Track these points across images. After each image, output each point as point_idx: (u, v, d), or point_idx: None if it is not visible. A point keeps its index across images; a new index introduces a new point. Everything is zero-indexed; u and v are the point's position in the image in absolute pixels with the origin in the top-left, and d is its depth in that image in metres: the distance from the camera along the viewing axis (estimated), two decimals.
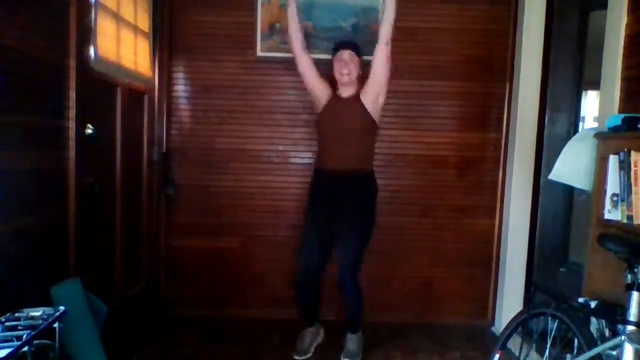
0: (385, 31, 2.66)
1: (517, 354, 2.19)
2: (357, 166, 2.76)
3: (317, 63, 2.85)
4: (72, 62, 2.10)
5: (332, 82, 2.84)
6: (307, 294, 2.86)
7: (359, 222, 2.75)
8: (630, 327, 1.60)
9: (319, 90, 2.79)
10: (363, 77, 2.78)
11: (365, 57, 2.89)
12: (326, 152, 2.79)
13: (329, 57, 3.00)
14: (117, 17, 2.55)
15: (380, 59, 2.69)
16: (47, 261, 2.00)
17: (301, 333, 2.92)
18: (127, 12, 2.68)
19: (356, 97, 2.74)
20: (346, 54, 2.73)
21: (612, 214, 1.96)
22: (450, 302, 3.44)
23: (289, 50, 2.88)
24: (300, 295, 2.89)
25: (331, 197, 2.75)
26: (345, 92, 2.77)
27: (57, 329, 1.57)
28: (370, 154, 2.84)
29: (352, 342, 2.85)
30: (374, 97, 2.73)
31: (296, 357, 2.80)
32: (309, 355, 2.84)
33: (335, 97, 2.78)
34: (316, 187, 2.84)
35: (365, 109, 2.72)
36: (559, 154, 2.32)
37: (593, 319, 1.88)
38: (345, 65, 2.70)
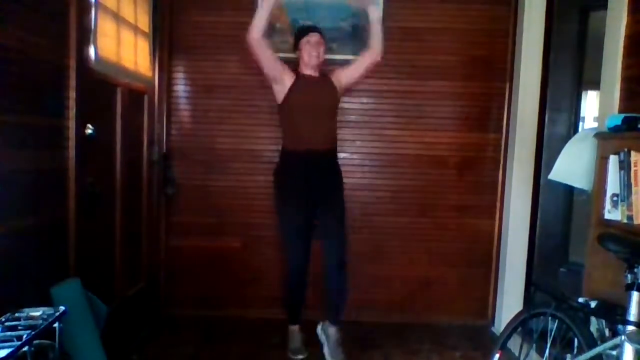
0: (371, 43, 2.75)
1: (517, 354, 2.19)
2: (329, 145, 2.80)
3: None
4: (72, 62, 2.10)
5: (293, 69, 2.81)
6: (300, 289, 2.85)
7: (341, 211, 2.80)
8: (630, 327, 1.60)
9: (281, 75, 2.72)
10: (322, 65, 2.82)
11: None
12: (300, 132, 2.73)
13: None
14: (117, 17, 2.55)
15: (361, 62, 2.79)
16: (47, 261, 2.00)
17: (290, 333, 2.91)
18: (127, 12, 2.68)
19: (324, 77, 2.80)
20: (316, 37, 2.76)
21: (612, 214, 1.96)
22: (450, 302, 3.44)
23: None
24: (292, 292, 2.88)
25: (310, 180, 2.72)
26: (310, 71, 2.78)
27: (57, 329, 1.57)
28: (336, 132, 2.88)
29: (336, 336, 2.79)
30: (343, 84, 2.81)
31: (294, 358, 2.79)
32: (306, 354, 2.81)
33: (302, 77, 2.77)
34: (290, 169, 2.77)
35: (335, 89, 2.79)
36: (559, 154, 2.32)
37: (593, 319, 1.88)
38: (316, 47, 2.73)
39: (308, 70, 2.77)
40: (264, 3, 2.60)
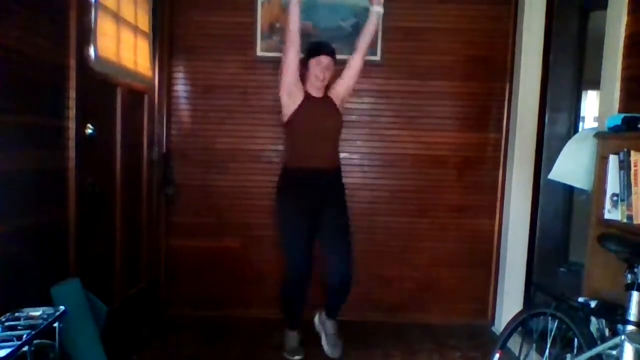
0: (364, 43, 2.75)
1: (517, 354, 2.19)
2: (335, 163, 2.83)
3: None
4: (72, 62, 2.10)
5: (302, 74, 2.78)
6: (299, 298, 2.84)
7: (345, 225, 2.81)
8: (630, 327, 1.60)
9: (296, 91, 2.72)
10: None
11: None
12: (306, 151, 2.74)
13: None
14: (117, 17, 2.55)
15: (355, 69, 2.78)
16: (47, 261, 2.00)
17: (286, 334, 2.89)
18: (127, 12, 2.68)
19: (327, 97, 2.79)
20: (327, 60, 2.71)
21: (612, 214, 1.96)
22: (450, 302, 3.44)
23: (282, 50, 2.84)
24: (291, 299, 2.87)
25: (315, 196, 2.73)
26: (316, 92, 2.76)
27: (57, 329, 1.57)
28: (338, 151, 2.91)
29: (334, 327, 2.85)
30: (341, 98, 2.82)
31: (292, 358, 2.78)
32: (303, 355, 2.80)
33: (308, 96, 2.75)
34: (295, 186, 2.77)
35: (337, 108, 2.80)
36: (559, 154, 2.32)
37: (593, 319, 1.88)
38: (324, 71, 2.70)
39: (312, 90, 2.75)
40: (291, 6, 2.63)
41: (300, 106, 2.72)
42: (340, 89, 2.81)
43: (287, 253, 2.82)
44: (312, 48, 2.77)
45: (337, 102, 2.80)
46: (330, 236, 2.77)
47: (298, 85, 2.73)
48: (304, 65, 2.75)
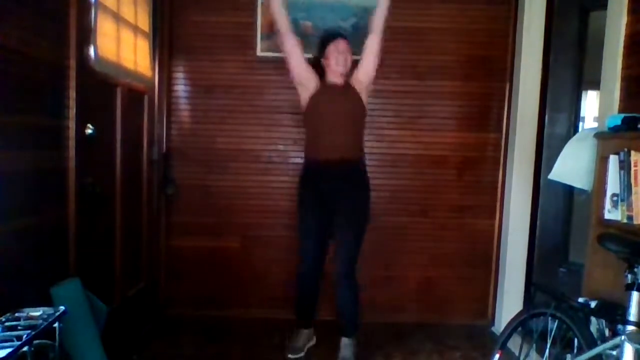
0: (379, 21, 2.68)
1: (517, 354, 2.19)
2: (351, 155, 2.74)
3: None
4: (72, 62, 2.10)
5: (318, 72, 2.79)
6: (308, 292, 2.83)
7: (355, 220, 2.73)
8: (630, 327, 1.61)
9: (307, 77, 2.73)
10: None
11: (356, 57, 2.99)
12: (320, 142, 2.72)
13: None
14: (117, 17, 2.55)
15: (372, 49, 2.71)
16: (47, 261, 2.00)
17: (296, 332, 2.89)
18: (127, 12, 2.68)
19: (348, 85, 2.76)
20: (344, 44, 2.73)
21: (612, 214, 1.96)
22: (450, 302, 3.44)
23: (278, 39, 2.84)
24: (301, 293, 2.86)
25: (328, 189, 2.72)
26: (337, 80, 2.74)
27: (57, 329, 1.57)
28: (362, 142, 2.84)
29: (347, 348, 2.76)
30: (364, 85, 2.76)
31: (290, 356, 2.78)
32: (302, 354, 2.81)
33: (325, 85, 2.75)
34: (310, 178, 2.78)
35: (359, 96, 2.75)
36: (559, 154, 2.33)
37: (593, 319, 1.88)
38: (343, 54, 2.71)
39: (334, 79, 2.74)
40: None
41: (315, 94, 2.72)
42: (360, 75, 2.75)
43: (299, 244, 2.81)
44: (325, 37, 2.80)
45: (359, 89, 2.75)
46: (338, 229, 2.73)
47: (309, 70, 2.73)
48: (321, 58, 2.77)
